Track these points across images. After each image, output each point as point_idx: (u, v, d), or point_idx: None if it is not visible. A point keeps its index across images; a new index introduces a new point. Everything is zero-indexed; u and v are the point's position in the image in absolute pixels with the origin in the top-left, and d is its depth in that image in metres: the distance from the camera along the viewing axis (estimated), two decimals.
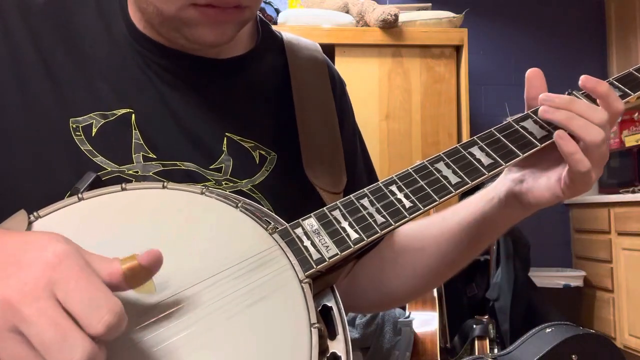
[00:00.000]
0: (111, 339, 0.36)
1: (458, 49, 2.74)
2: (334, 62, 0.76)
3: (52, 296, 0.35)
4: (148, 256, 0.39)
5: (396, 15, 2.63)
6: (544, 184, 0.59)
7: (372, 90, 2.68)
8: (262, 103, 0.67)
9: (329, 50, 2.62)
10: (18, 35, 0.59)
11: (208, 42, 0.58)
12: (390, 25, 2.65)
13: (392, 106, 2.69)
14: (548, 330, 1.43)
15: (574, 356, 1.32)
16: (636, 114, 3.28)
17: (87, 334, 0.34)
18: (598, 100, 0.58)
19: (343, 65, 2.61)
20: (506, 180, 0.62)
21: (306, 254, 0.48)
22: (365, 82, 2.67)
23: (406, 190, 0.54)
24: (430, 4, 2.98)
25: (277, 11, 2.86)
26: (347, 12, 2.79)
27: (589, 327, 3.11)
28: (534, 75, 0.61)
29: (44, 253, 0.36)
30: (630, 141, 3.27)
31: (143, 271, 0.39)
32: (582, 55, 3.65)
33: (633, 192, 3.00)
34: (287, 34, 0.74)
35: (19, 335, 0.34)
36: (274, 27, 0.74)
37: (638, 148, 3.12)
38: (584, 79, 0.58)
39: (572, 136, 0.56)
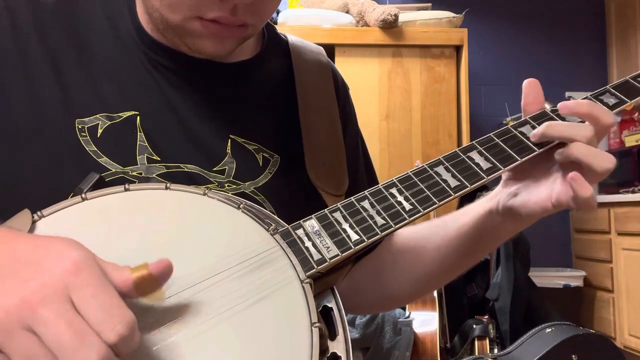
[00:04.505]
0: (121, 355, 0.36)
1: (458, 49, 2.74)
2: (333, 62, 0.76)
3: (69, 300, 0.36)
4: (158, 265, 0.40)
5: (396, 15, 2.63)
6: (534, 199, 0.58)
7: (372, 90, 2.68)
8: (266, 106, 0.68)
9: (329, 50, 2.63)
10: (27, 35, 0.59)
11: (208, 53, 0.59)
12: (390, 25, 2.65)
13: (392, 106, 2.69)
14: (548, 330, 1.44)
15: (574, 356, 1.33)
16: (636, 114, 3.28)
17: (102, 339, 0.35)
18: (586, 120, 0.57)
19: (343, 65, 2.61)
20: (502, 193, 0.62)
21: (307, 255, 0.49)
22: (365, 82, 2.67)
23: (406, 193, 0.54)
24: (430, 4, 2.99)
25: (277, 11, 2.86)
26: (347, 12, 2.80)
27: (589, 327, 3.11)
28: (530, 85, 0.61)
29: (63, 260, 0.37)
30: (630, 141, 3.27)
31: (153, 280, 0.40)
32: (582, 55, 3.65)
33: (633, 192, 3.00)
34: (292, 37, 0.75)
35: (32, 334, 0.35)
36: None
37: (638, 148, 3.12)
38: (561, 107, 0.58)
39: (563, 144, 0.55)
